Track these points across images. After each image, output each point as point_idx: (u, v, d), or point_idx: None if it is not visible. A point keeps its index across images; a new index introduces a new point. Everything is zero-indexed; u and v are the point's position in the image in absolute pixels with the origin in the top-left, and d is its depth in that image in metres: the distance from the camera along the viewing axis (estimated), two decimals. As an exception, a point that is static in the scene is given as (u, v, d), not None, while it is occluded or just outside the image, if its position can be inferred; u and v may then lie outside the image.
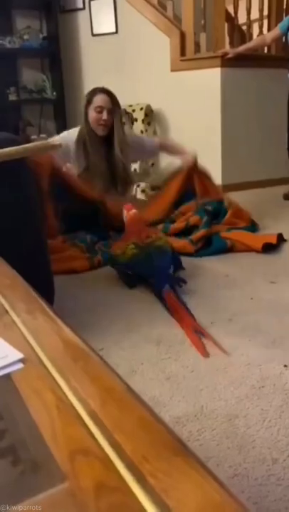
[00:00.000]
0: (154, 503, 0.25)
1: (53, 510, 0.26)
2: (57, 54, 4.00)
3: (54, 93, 4.09)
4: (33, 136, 3.93)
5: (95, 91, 2.40)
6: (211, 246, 2.01)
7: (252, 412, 0.92)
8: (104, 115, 2.31)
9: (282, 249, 2.02)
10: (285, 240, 2.09)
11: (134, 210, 1.79)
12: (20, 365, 0.42)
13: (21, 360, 0.43)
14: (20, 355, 0.43)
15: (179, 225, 2.23)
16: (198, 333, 1.25)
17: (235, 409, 0.93)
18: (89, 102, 2.35)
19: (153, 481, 0.27)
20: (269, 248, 1.98)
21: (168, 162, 3.99)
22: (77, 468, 0.28)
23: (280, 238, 2.07)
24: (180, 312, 1.38)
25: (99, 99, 2.34)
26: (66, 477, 0.28)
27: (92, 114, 2.33)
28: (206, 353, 1.16)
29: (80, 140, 2.33)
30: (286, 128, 3.32)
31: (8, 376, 0.41)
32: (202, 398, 0.97)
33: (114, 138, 2.35)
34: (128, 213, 1.77)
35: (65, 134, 2.48)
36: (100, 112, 2.31)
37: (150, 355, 1.17)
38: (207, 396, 0.98)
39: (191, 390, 1.01)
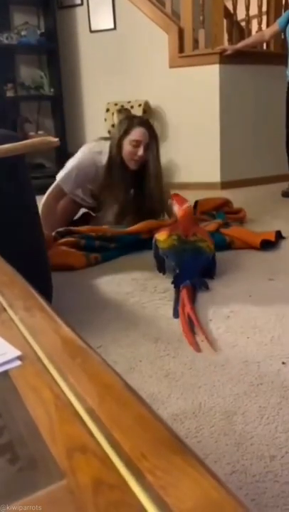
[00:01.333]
0: (153, 500, 0.25)
1: (51, 507, 0.26)
2: (55, 50, 3.99)
3: (52, 90, 4.08)
4: (31, 133, 3.93)
5: (133, 122, 2.23)
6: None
7: (250, 409, 0.92)
8: (141, 151, 2.16)
9: (281, 247, 2.02)
10: (283, 237, 2.09)
11: (187, 205, 1.78)
12: (18, 363, 0.42)
13: (19, 358, 0.43)
14: (18, 353, 0.43)
15: None
16: (193, 328, 1.26)
17: (234, 406, 0.93)
18: (126, 132, 2.19)
19: (151, 479, 0.27)
20: (267, 245, 1.98)
21: (167, 160, 3.98)
22: (75, 466, 0.28)
23: (279, 235, 2.08)
24: (186, 307, 1.38)
25: (138, 133, 2.18)
26: (64, 474, 0.28)
27: (127, 147, 2.18)
28: (198, 349, 1.16)
29: (109, 167, 2.21)
30: (284, 125, 3.31)
31: (5, 373, 0.41)
32: (200, 395, 0.97)
33: (150, 171, 2.22)
34: (181, 208, 1.75)
35: (89, 153, 2.29)
36: (136, 147, 2.17)
37: (148, 352, 1.17)
38: (205, 393, 0.98)
39: (189, 387, 1.01)
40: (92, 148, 2.31)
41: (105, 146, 2.25)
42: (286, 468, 0.76)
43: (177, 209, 1.77)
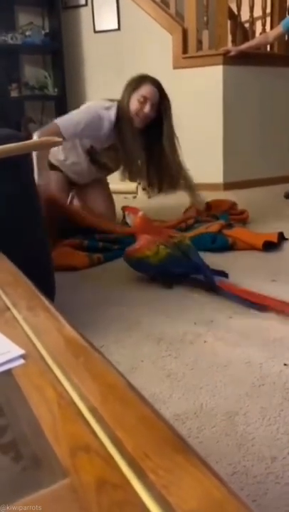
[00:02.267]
0: (156, 499, 0.25)
1: (54, 506, 0.26)
2: (59, 50, 4.00)
3: (56, 90, 4.09)
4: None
5: (145, 79, 2.20)
6: (214, 242, 2.01)
7: (252, 410, 0.92)
8: (147, 108, 2.14)
9: (283, 248, 2.02)
10: (286, 239, 2.09)
11: (142, 212, 1.70)
12: (22, 361, 0.42)
13: (22, 356, 0.43)
14: (21, 351, 0.44)
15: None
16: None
17: (235, 407, 0.93)
18: (135, 88, 2.16)
19: (154, 478, 0.27)
20: (270, 246, 1.98)
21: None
22: (79, 465, 0.29)
23: (281, 237, 2.07)
24: (249, 293, 1.44)
25: (146, 89, 2.15)
26: (67, 473, 0.28)
27: (134, 102, 2.16)
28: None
29: (118, 123, 2.15)
30: None
31: (9, 372, 0.41)
32: (202, 396, 0.98)
33: (163, 134, 2.18)
34: (137, 216, 1.69)
35: (96, 107, 2.24)
36: (143, 103, 2.14)
37: (150, 352, 1.17)
38: (207, 394, 0.98)
39: (191, 387, 1.01)
40: (101, 104, 2.26)
41: (114, 103, 2.22)
42: (288, 470, 0.76)
43: (133, 218, 1.70)
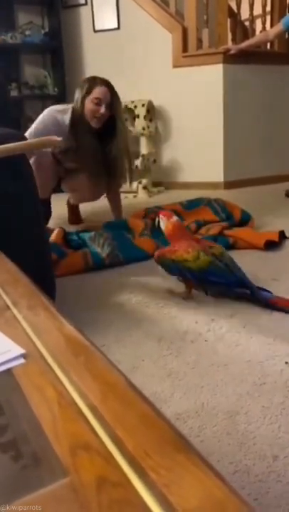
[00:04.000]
0: (156, 498, 0.25)
1: (54, 505, 0.26)
2: (59, 50, 3.99)
3: (55, 89, 4.08)
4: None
5: (96, 81, 2.30)
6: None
7: (253, 409, 0.92)
8: (102, 109, 2.25)
9: (284, 247, 2.01)
10: (287, 237, 2.09)
11: (176, 218, 1.59)
12: (22, 361, 0.42)
13: (23, 356, 0.43)
14: (21, 351, 0.43)
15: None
16: None
17: (236, 405, 0.93)
18: (88, 92, 2.27)
19: (155, 477, 0.27)
20: (271, 245, 1.98)
21: (170, 159, 3.98)
22: (79, 464, 0.28)
23: (282, 235, 2.07)
24: None
25: (98, 91, 2.26)
26: (68, 472, 0.28)
27: (88, 105, 2.26)
28: None
29: (73, 127, 2.27)
30: None
31: (9, 371, 0.41)
32: (203, 395, 0.97)
33: (117, 130, 2.30)
34: (170, 222, 1.56)
35: (51, 112, 2.35)
36: (98, 105, 2.25)
37: (151, 351, 1.17)
38: (208, 393, 0.98)
39: (192, 386, 1.01)
40: (55, 108, 2.36)
41: (68, 107, 2.32)
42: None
43: (166, 223, 1.57)
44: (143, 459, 0.28)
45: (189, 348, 1.18)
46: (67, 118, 2.28)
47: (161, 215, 1.59)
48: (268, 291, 1.48)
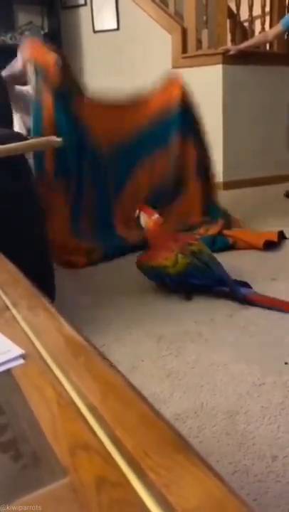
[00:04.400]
0: (155, 498, 0.25)
1: (54, 504, 0.26)
2: (58, 50, 3.99)
3: (55, 89, 4.08)
4: (34, 133, 3.92)
5: None
6: (214, 244, 2.01)
7: (252, 409, 0.92)
8: None
9: (283, 247, 2.02)
10: (286, 238, 2.09)
11: (156, 215, 1.57)
12: (21, 361, 0.42)
13: (22, 356, 0.43)
14: (21, 351, 0.44)
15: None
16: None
17: (236, 406, 0.93)
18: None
19: (154, 477, 0.27)
20: (270, 246, 1.98)
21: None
22: (78, 463, 0.29)
23: (281, 236, 2.07)
24: (281, 301, 1.41)
25: None
26: (67, 472, 0.28)
27: None
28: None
29: None
30: (287, 125, 3.31)
31: (9, 371, 0.41)
32: (202, 395, 0.97)
33: None
34: (151, 219, 1.56)
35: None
36: None
37: (151, 351, 1.17)
38: (208, 393, 0.98)
39: (192, 386, 1.01)
40: None
41: None
42: (288, 469, 0.76)
43: (146, 220, 1.56)
44: (142, 459, 0.28)
45: (189, 347, 1.18)
46: None
47: (142, 211, 1.59)
48: (249, 287, 1.50)
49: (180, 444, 0.30)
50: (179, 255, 1.48)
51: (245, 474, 0.75)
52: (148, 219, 1.57)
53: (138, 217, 1.60)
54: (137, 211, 1.61)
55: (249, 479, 0.74)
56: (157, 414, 0.33)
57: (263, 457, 0.79)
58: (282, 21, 3.27)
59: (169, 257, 1.48)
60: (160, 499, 0.25)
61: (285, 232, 2.11)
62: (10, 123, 2.41)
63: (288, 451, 0.80)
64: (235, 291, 1.46)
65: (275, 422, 0.88)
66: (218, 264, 1.52)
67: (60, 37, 3.97)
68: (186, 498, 0.25)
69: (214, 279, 1.48)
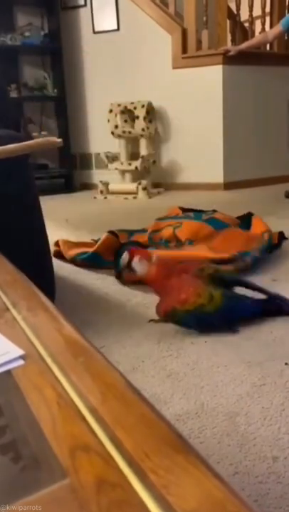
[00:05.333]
0: (155, 499, 0.25)
1: (54, 506, 0.26)
2: (58, 51, 4.00)
3: (55, 90, 4.09)
4: (34, 134, 3.94)
5: None
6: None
7: (253, 410, 0.92)
8: None
9: (284, 247, 2.01)
10: (286, 238, 2.09)
11: (156, 256, 1.29)
12: (21, 362, 0.42)
13: (22, 357, 0.43)
14: (20, 352, 0.43)
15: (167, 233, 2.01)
16: None
17: (236, 407, 0.93)
18: None
19: (154, 478, 0.27)
20: (271, 247, 1.97)
21: (170, 160, 3.99)
22: (78, 465, 0.28)
23: (282, 236, 2.07)
24: None
25: None
26: (67, 473, 0.28)
27: None
28: None
29: None
30: (287, 125, 3.31)
31: (8, 372, 0.41)
32: (203, 396, 0.97)
33: None
34: (152, 264, 1.26)
35: None
36: None
37: (151, 352, 1.17)
38: (208, 394, 0.98)
39: (192, 387, 1.01)
40: None
41: None
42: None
43: (146, 265, 1.26)
44: (142, 460, 0.28)
45: (189, 349, 1.18)
46: None
47: (136, 257, 1.26)
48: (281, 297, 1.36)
49: (180, 445, 0.30)
50: (210, 288, 1.24)
51: (246, 475, 0.75)
52: (148, 264, 1.26)
53: (129, 264, 1.27)
54: (126, 257, 1.27)
55: (250, 480, 0.74)
56: (158, 414, 0.33)
57: (264, 458, 0.79)
58: (282, 22, 3.28)
59: (200, 292, 1.23)
60: (160, 500, 0.25)
61: (285, 232, 2.10)
62: (10, 124, 2.39)
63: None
64: (284, 306, 1.31)
65: (276, 423, 0.87)
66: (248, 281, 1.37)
67: (60, 38, 3.98)
68: (186, 499, 0.25)
69: (258, 305, 1.32)
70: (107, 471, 0.28)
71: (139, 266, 1.26)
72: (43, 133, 4.03)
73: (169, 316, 1.26)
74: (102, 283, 1.71)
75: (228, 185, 3.78)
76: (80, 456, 0.29)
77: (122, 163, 3.83)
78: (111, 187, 3.79)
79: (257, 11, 3.85)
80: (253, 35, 3.85)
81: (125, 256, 1.27)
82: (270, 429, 0.86)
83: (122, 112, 3.82)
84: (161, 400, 0.96)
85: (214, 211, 2.24)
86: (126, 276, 1.39)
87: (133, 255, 1.27)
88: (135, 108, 3.75)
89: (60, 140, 1.40)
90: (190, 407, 0.93)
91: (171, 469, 0.27)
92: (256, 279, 1.65)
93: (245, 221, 2.18)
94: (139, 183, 3.65)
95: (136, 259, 1.26)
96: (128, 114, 3.83)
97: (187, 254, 1.76)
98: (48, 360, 0.42)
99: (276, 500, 0.70)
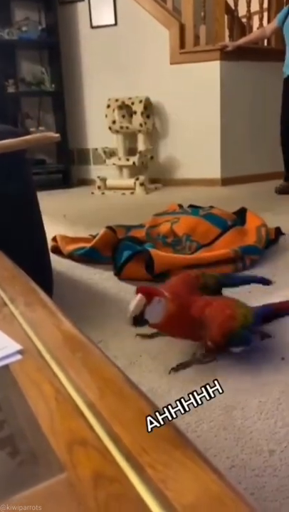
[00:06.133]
0: (153, 493, 0.25)
1: (51, 500, 0.26)
2: (56, 46, 3.98)
3: (53, 85, 4.07)
4: (32, 129, 3.92)
5: None
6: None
7: (249, 404, 0.92)
8: None
9: (281, 243, 2.02)
10: (283, 234, 2.09)
11: (167, 294, 1.04)
12: (19, 357, 0.42)
13: (20, 352, 0.43)
14: (18, 347, 0.43)
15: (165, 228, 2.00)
16: None
17: (233, 401, 0.93)
18: None
19: (151, 472, 0.27)
20: (269, 242, 1.98)
21: (167, 156, 3.98)
22: (76, 459, 0.29)
23: (279, 232, 2.07)
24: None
25: None
26: (64, 468, 0.28)
27: None
28: None
29: None
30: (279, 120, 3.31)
31: (6, 367, 0.41)
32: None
33: None
34: (172, 302, 1.02)
35: None
36: None
37: (149, 347, 1.17)
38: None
39: (190, 382, 1.01)
40: None
41: None
42: (285, 463, 0.76)
43: (166, 304, 1.02)
44: (140, 454, 0.28)
45: (187, 343, 1.18)
46: None
47: (156, 299, 1.00)
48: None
49: (178, 440, 0.30)
50: (239, 304, 1.14)
51: (243, 469, 0.76)
52: (168, 302, 1.02)
53: (142, 311, 1.00)
54: (139, 301, 0.99)
55: (246, 474, 0.75)
56: (155, 409, 0.33)
57: (261, 452, 0.79)
58: (278, 17, 3.27)
59: (239, 303, 1.13)
60: (157, 494, 0.25)
61: (281, 228, 2.11)
62: (7, 119, 2.38)
63: (285, 446, 0.80)
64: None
65: (273, 417, 0.88)
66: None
67: (58, 32, 3.96)
68: (184, 493, 0.26)
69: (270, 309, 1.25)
70: (104, 466, 0.28)
71: (154, 309, 1.00)
72: (40, 128, 4.02)
73: (229, 338, 1.05)
74: (99, 278, 1.71)
75: (225, 181, 3.78)
76: (77, 451, 0.29)
77: (119, 159, 3.82)
78: (109, 182, 3.78)
79: (255, 7, 3.84)
80: (250, 30, 3.84)
81: (138, 301, 0.99)
82: (267, 423, 0.86)
83: (120, 107, 3.80)
84: (158, 395, 0.96)
85: (211, 207, 2.24)
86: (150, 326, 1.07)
87: (150, 296, 1.00)
88: (133, 103, 3.74)
89: (57, 135, 1.39)
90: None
91: (168, 464, 0.28)
92: (254, 275, 1.65)
93: (239, 216, 2.18)
94: (137, 179, 3.65)
95: (156, 301, 1.00)
96: (126, 109, 3.82)
97: (191, 258, 1.75)
98: (46, 356, 0.42)
99: (272, 493, 0.71)
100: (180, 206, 2.40)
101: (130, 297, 1.52)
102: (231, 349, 1.07)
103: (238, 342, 1.07)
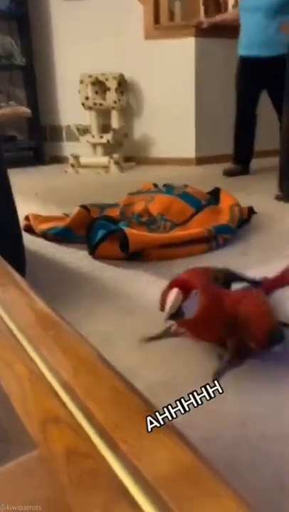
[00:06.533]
0: (126, 468, 0.26)
1: (23, 476, 0.26)
2: (25, 17, 3.84)
3: (23, 59, 3.94)
4: (2, 104, 3.79)
5: None
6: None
7: (225, 379, 0.94)
8: None
9: (253, 222, 2.04)
10: (255, 213, 2.12)
11: (195, 290, 0.91)
12: (-9, 337, 0.42)
13: (-8, 332, 0.42)
14: (-10, 327, 0.43)
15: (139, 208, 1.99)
16: None
17: (209, 378, 0.95)
18: None
19: (124, 447, 0.27)
20: (242, 222, 2.00)
21: (142, 134, 3.94)
22: (49, 437, 0.29)
23: (251, 211, 2.10)
24: None
25: None
26: (37, 445, 0.28)
27: None
28: None
29: None
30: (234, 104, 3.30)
31: (-22, 348, 0.40)
32: (176, 367, 0.99)
33: None
34: (204, 295, 0.93)
35: None
36: None
37: (124, 325, 1.18)
38: (182, 364, 1.00)
39: (166, 359, 1.02)
40: None
41: None
42: (256, 436, 0.79)
43: (201, 298, 0.92)
44: (113, 430, 0.29)
45: (162, 321, 1.19)
46: None
47: (193, 292, 0.91)
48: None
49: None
50: (265, 298, 1.11)
51: (216, 441, 0.78)
52: (202, 297, 0.92)
53: (181, 307, 0.90)
54: (176, 297, 0.88)
55: (218, 446, 0.77)
56: (129, 386, 0.34)
57: (234, 424, 0.81)
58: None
59: (268, 311, 1.06)
60: (130, 469, 0.26)
61: (254, 207, 2.13)
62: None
63: (255, 420, 0.83)
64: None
65: (247, 392, 0.90)
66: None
67: (27, 5, 3.81)
68: (156, 467, 0.26)
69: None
70: (77, 442, 0.28)
71: (193, 301, 0.91)
72: (10, 103, 3.90)
73: (270, 337, 0.99)
74: (73, 257, 1.70)
75: (200, 160, 3.77)
76: (50, 429, 0.29)
77: (93, 136, 3.76)
78: (82, 160, 3.72)
79: (230, -18, 3.78)
80: (225, 7, 3.79)
81: (176, 296, 0.88)
82: (239, 397, 0.89)
83: (93, 84, 3.72)
84: (133, 373, 0.97)
85: (186, 186, 2.24)
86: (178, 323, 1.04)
87: (189, 291, 0.90)
88: (107, 79, 3.66)
89: (28, 110, 1.35)
90: (162, 379, 0.95)
91: (141, 438, 0.28)
92: (227, 254, 1.67)
93: (213, 196, 2.19)
94: (111, 157, 3.60)
95: (194, 294, 0.91)
96: (99, 85, 3.74)
97: (166, 237, 1.76)
98: (19, 335, 0.42)
99: (245, 465, 0.73)
100: (155, 185, 2.39)
101: (104, 276, 1.53)
102: (273, 348, 1.00)
103: (278, 339, 1.00)
